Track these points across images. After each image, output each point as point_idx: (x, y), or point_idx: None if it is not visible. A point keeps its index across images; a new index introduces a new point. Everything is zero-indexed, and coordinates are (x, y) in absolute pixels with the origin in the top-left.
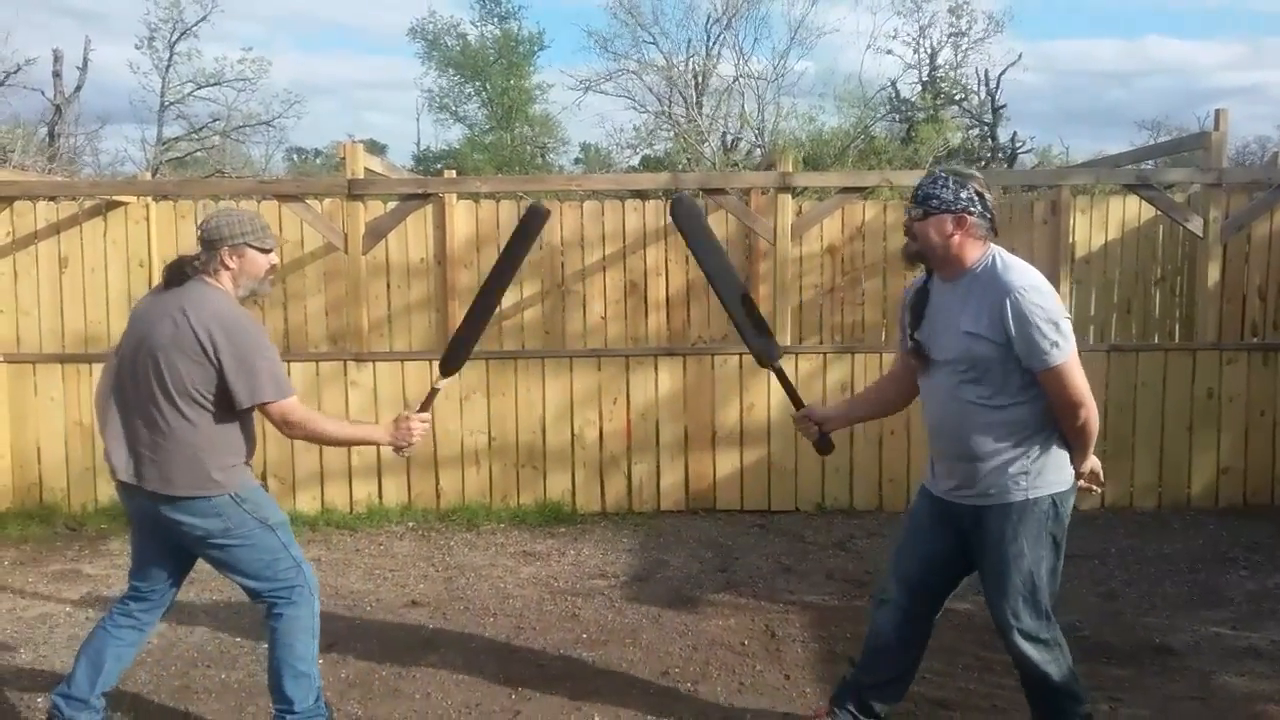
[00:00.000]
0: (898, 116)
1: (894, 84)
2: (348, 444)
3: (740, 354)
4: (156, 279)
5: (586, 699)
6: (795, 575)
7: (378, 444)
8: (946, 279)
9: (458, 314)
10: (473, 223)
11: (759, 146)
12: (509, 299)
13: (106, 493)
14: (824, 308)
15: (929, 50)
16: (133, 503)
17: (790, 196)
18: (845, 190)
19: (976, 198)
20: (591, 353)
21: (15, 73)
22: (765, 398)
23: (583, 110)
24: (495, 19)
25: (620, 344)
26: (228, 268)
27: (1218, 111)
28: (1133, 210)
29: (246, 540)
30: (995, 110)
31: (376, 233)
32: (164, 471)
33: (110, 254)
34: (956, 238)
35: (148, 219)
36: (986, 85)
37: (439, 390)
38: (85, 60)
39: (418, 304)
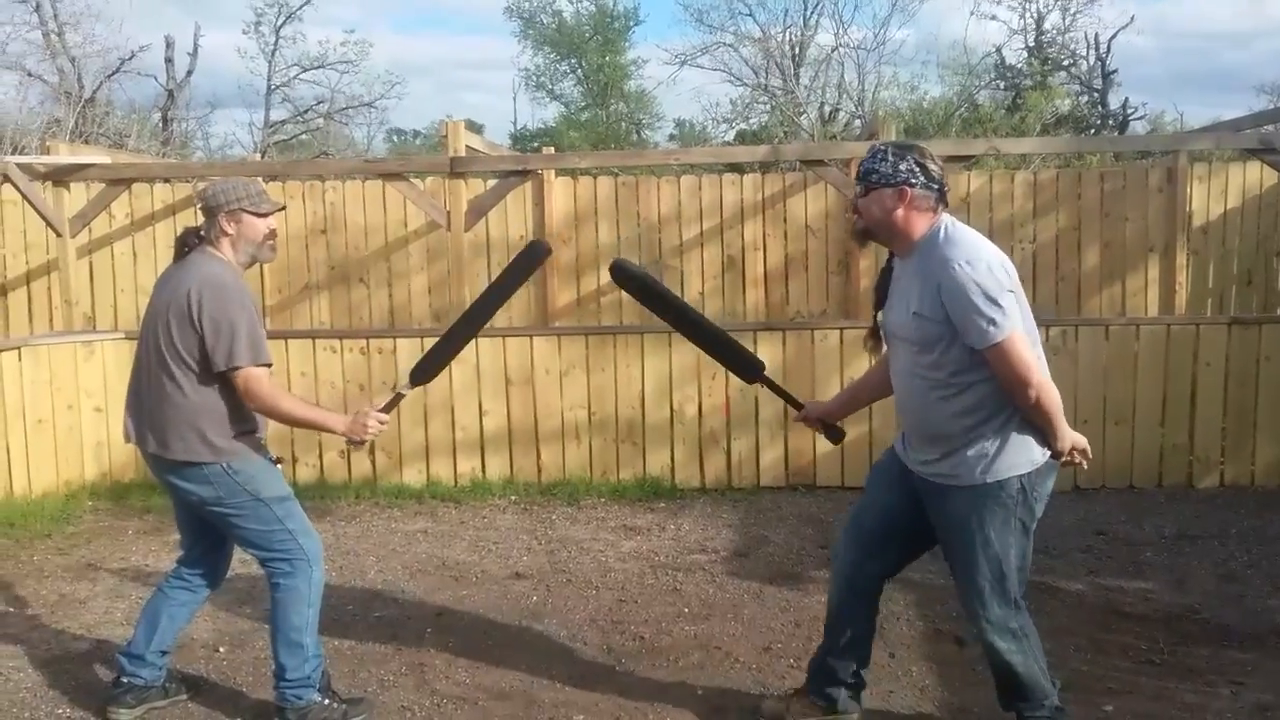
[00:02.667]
0: (1003, 84)
1: (999, 50)
2: (302, 424)
3: (840, 328)
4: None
5: (690, 672)
6: None
7: (332, 431)
8: (901, 256)
9: (556, 290)
10: (571, 199)
11: (858, 117)
12: (607, 276)
13: None
14: None
15: (1035, 15)
16: (151, 467)
17: None
18: (950, 160)
19: (918, 168)
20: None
21: (129, 60)
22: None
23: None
24: None
25: (719, 319)
26: (226, 234)
27: None
28: (1254, 177)
29: (239, 510)
30: (1105, 76)
31: (478, 210)
32: (160, 436)
33: None
34: (900, 211)
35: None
36: (1096, 50)
37: (403, 396)
38: (195, 46)
39: None
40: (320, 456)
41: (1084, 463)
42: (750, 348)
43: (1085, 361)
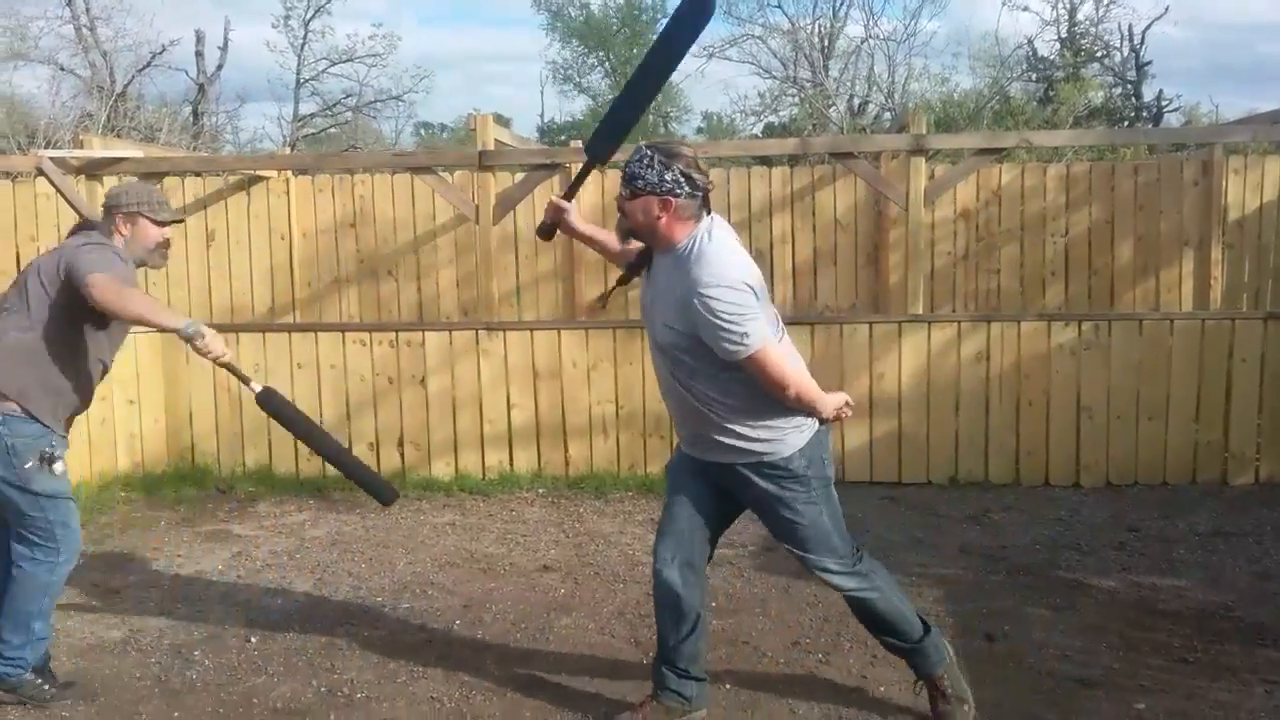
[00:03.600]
0: (1035, 76)
1: (1030, 42)
2: (152, 320)
3: (870, 323)
4: (296, 251)
5: (718, 666)
6: (927, 548)
7: (171, 329)
8: (662, 253)
9: (584, 285)
10: (599, 192)
11: (888, 110)
12: None
13: (254, 457)
14: (958, 275)
15: (1069, 6)
16: None
17: (923, 160)
18: (981, 152)
19: (683, 179)
20: None
21: (160, 54)
22: (895, 368)
23: (706, 78)
24: None
25: None
26: (121, 234)
27: None
28: None
29: (6, 477)
30: (1140, 67)
31: (506, 203)
32: None
33: (253, 227)
34: (664, 219)
35: (288, 193)
36: (1130, 41)
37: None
38: (225, 41)
39: (545, 274)
40: (350, 449)
41: (849, 411)
42: None
43: (1118, 357)
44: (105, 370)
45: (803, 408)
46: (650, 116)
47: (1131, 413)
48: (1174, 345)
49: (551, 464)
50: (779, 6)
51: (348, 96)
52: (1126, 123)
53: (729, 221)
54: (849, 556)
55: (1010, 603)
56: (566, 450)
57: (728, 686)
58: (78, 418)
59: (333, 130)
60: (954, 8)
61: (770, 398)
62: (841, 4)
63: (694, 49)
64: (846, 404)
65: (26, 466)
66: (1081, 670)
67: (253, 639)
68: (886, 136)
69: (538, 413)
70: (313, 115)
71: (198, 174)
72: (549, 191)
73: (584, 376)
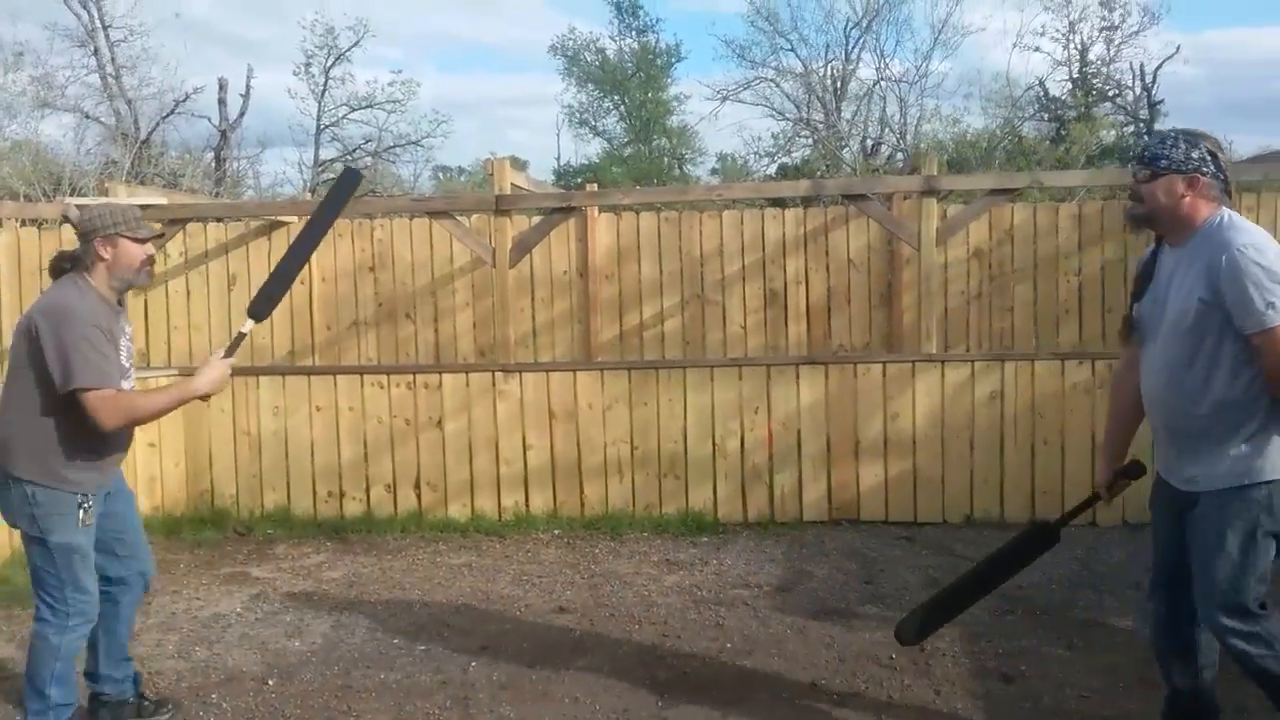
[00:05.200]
0: (1047, 115)
1: (1042, 82)
2: (169, 408)
3: (884, 363)
4: (316, 294)
5: (733, 707)
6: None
7: (194, 395)
8: (1175, 244)
9: (601, 326)
10: (614, 234)
11: (900, 150)
12: (649, 309)
13: (273, 499)
14: (971, 314)
15: (1079, 46)
16: None
17: (935, 201)
18: (993, 193)
19: (1209, 157)
20: (732, 362)
21: (184, 101)
22: (910, 407)
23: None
24: (634, 32)
25: (761, 354)
26: (102, 259)
27: None
28: None
29: (27, 537)
30: (1152, 106)
31: (523, 246)
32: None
33: None
34: (1188, 198)
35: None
36: (1142, 80)
37: (245, 335)
38: (247, 87)
39: (561, 316)
40: (367, 491)
41: None
42: (793, 382)
43: None
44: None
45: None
46: (665, 159)
47: (1148, 451)
48: None
49: (567, 505)
50: (792, 49)
51: (367, 142)
52: None
53: (741, 263)
54: (1252, 615)
55: (1028, 643)
56: (582, 491)
57: None
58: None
59: None
60: (965, 49)
61: (1263, 411)
62: (854, 47)
63: (708, 91)
64: None
65: (48, 517)
66: (1099, 710)
67: (270, 681)
68: (898, 178)
69: (553, 454)
70: (333, 160)
71: (220, 220)
72: (565, 234)
73: (599, 417)
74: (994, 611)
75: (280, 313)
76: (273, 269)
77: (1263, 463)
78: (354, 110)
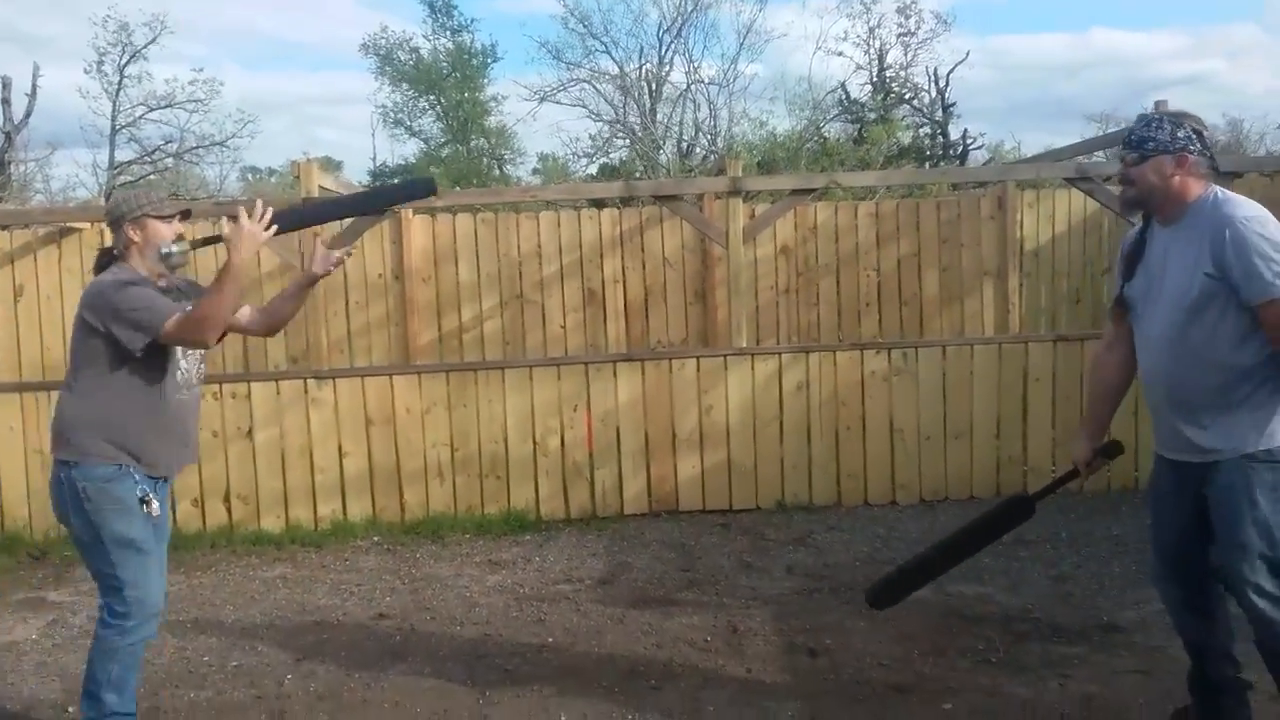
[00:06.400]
0: (849, 117)
1: (843, 85)
2: (230, 291)
3: (697, 357)
4: None
5: (553, 700)
6: (756, 571)
7: (242, 254)
8: (1166, 223)
9: (418, 327)
10: (430, 236)
11: (713, 152)
12: (469, 311)
13: None
14: (781, 309)
15: (878, 51)
16: None
17: (741, 201)
18: (795, 192)
19: (1195, 135)
20: (551, 361)
21: None
22: (723, 400)
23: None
24: (448, 32)
25: (582, 352)
26: (134, 242)
27: (1156, 103)
28: (1078, 203)
29: (81, 529)
30: (945, 108)
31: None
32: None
33: (66, 281)
34: (1178, 177)
35: (102, 244)
36: (936, 83)
37: (221, 238)
38: (34, 86)
39: (377, 320)
40: (173, 507)
41: None
42: (611, 379)
43: (925, 381)
44: (179, 390)
45: None
46: (485, 160)
47: (939, 433)
48: (975, 369)
49: (387, 511)
50: (606, 52)
51: (168, 143)
52: (937, 161)
53: (559, 264)
54: None
55: (833, 618)
56: (402, 496)
57: (563, 718)
58: None
59: (153, 177)
60: (771, 53)
61: (1274, 375)
62: (666, 50)
63: (525, 92)
64: None
65: (100, 511)
66: (896, 677)
67: (70, 709)
68: (706, 179)
69: (371, 460)
70: (130, 162)
71: (5, 227)
72: (378, 236)
73: (418, 421)
74: (802, 589)
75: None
76: (307, 200)
77: (1272, 427)
78: (152, 110)
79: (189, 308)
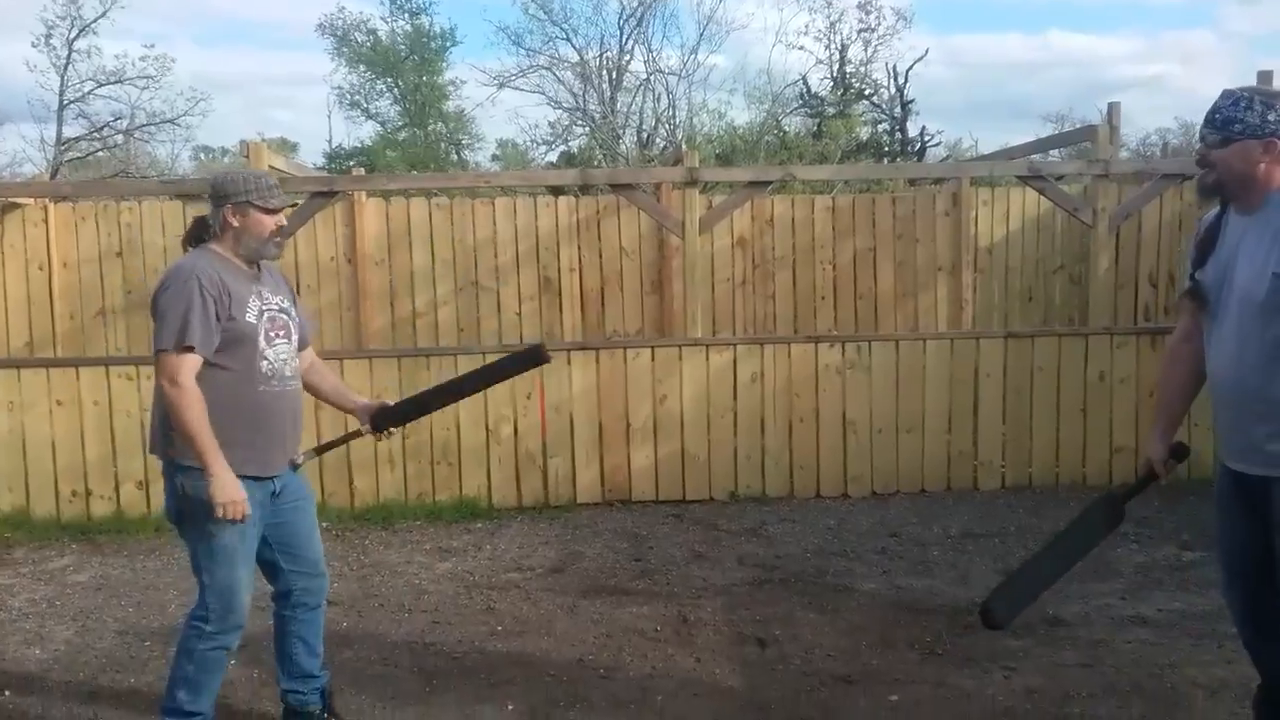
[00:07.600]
0: (808, 111)
1: (804, 78)
2: (193, 442)
3: (652, 347)
4: (56, 282)
5: (500, 688)
6: (708, 562)
7: (211, 475)
8: (1244, 211)
9: (371, 313)
10: (383, 220)
11: (672, 142)
12: (422, 297)
13: (9, 501)
14: (737, 300)
15: (840, 46)
16: None
17: (698, 192)
18: (751, 184)
19: None
20: (504, 349)
21: None
22: (678, 390)
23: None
24: (406, 14)
25: (537, 339)
26: (230, 225)
27: (1110, 105)
28: (1032, 201)
29: (182, 526)
30: (904, 105)
31: (285, 232)
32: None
33: (8, 257)
34: (1264, 165)
35: (46, 221)
36: (895, 80)
37: (348, 439)
38: None
39: (329, 304)
40: (117, 489)
41: None
42: (565, 367)
43: (879, 375)
44: (265, 382)
45: None
46: (443, 145)
47: (892, 426)
48: (927, 363)
49: (336, 497)
50: (567, 39)
51: (117, 119)
52: (893, 158)
53: (515, 251)
54: None
55: (783, 609)
56: (351, 482)
57: (510, 707)
58: None
59: (102, 154)
60: (731, 45)
61: None
62: (626, 39)
63: (484, 77)
64: None
65: (194, 512)
66: (844, 668)
67: (7, 692)
68: (662, 169)
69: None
70: (79, 138)
71: None
72: (330, 218)
73: None
74: (753, 580)
75: (15, 301)
76: (418, 394)
77: None
78: (101, 85)
79: (196, 348)
